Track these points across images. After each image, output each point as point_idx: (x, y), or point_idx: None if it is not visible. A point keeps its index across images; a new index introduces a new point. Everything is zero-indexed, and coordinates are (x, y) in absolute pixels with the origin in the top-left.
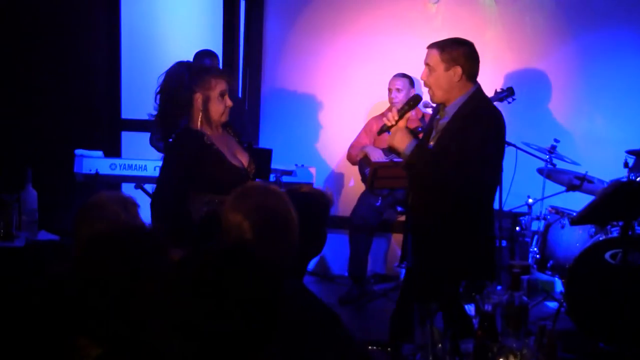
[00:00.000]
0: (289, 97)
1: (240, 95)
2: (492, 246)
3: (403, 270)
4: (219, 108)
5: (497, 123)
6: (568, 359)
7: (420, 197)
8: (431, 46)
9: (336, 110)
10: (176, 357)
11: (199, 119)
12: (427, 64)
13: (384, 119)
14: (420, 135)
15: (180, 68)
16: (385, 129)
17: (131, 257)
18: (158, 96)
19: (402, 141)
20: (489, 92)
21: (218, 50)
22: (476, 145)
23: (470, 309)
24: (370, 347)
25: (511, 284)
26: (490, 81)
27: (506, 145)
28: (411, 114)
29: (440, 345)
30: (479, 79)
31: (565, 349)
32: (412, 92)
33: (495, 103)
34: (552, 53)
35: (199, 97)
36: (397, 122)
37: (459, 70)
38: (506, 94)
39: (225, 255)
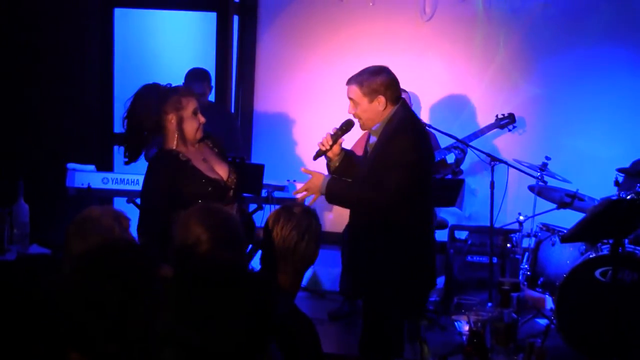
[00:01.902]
0: (281, 112)
1: (232, 111)
2: (427, 252)
3: None
4: (193, 126)
5: (416, 132)
6: None
7: (355, 216)
8: (350, 82)
9: (329, 125)
10: None
11: (175, 139)
12: (350, 99)
13: (319, 143)
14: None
15: (147, 91)
16: (320, 154)
17: (123, 273)
18: (125, 121)
19: (318, 181)
20: (488, 115)
21: (211, 66)
22: (395, 154)
23: (460, 325)
24: None
25: (501, 301)
26: (480, 98)
27: (498, 163)
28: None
29: None
30: (468, 97)
31: None
32: None
33: (495, 130)
34: (544, 70)
35: (172, 118)
36: (331, 146)
37: (382, 99)
38: (507, 121)
39: (218, 273)
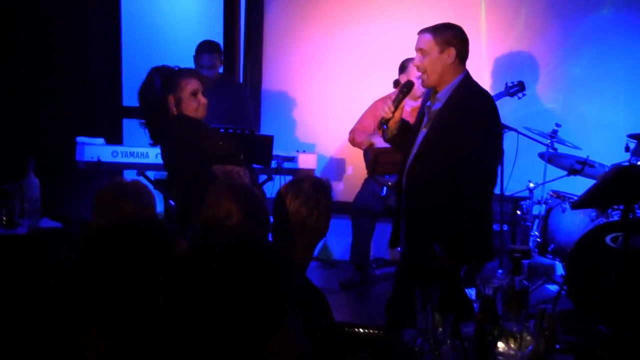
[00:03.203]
0: (289, 84)
1: (241, 81)
2: (488, 227)
3: None
4: (191, 107)
5: (492, 108)
6: (567, 341)
7: (413, 180)
8: (423, 31)
9: (337, 96)
10: (184, 347)
11: None
12: (420, 49)
13: (381, 111)
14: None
15: (152, 74)
16: (383, 122)
17: (141, 248)
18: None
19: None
20: (498, 83)
21: (219, 38)
22: (477, 136)
23: (471, 293)
24: (370, 332)
25: (512, 268)
26: (491, 66)
27: (507, 130)
28: (405, 108)
29: (441, 329)
30: (479, 63)
31: (565, 331)
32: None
33: (505, 98)
34: (554, 36)
35: (171, 100)
36: (393, 113)
37: (452, 52)
38: (517, 88)
39: (234, 246)
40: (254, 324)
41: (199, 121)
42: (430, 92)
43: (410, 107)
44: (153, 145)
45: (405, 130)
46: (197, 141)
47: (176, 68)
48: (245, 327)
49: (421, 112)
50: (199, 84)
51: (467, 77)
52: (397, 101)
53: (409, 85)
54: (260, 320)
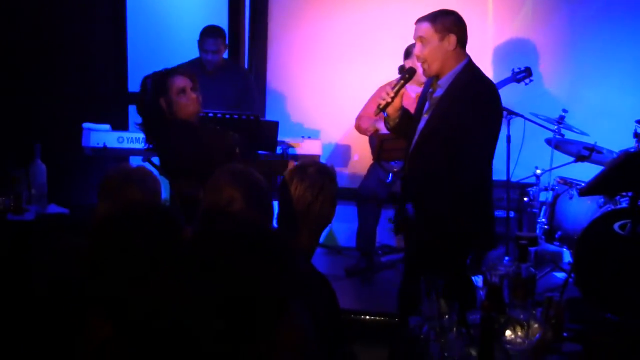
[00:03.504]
0: (295, 70)
1: (247, 67)
2: (490, 214)
3: None
4: (181, 106)
5: (492, 95)
6: (575, 329)
7: (416, 167)
8: (421, 20)
9: (342, 83)
10: (189, 336)
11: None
12: (419, 38)
13: (379, 99)
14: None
15: (144, 81)
16: (382, 108)
17: (146, 235)
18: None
19: None
20: (504, 69)
21: (224, 22)
22: (477, 124)
23: (477, 280)
24: (375, 319)
25: (518, 256)
26: (497, 51)
27: (514, 116)
28: (410, 94)
29: (447, 317)
30: (486, 49)
31: (572, 319)
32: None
33: (512, 84)
34: (560, 20)
35: (163, 103)
36: (393, 99)
37: (453, 38)
38: (524, 74)
39: (249, 232)
40: (259, 312)
41: (191, 127)
42: (433, 79)
43: (415, 93)
44: (149, 149)
45: (408, 119)
46: (194, 149)
47: (164, 71)
48: (250, 315)
49: (423, 99)
50: (186, 80)
51: (470, 63)
52: (398, 87)
53: (411, 72)
54: (265, 308)
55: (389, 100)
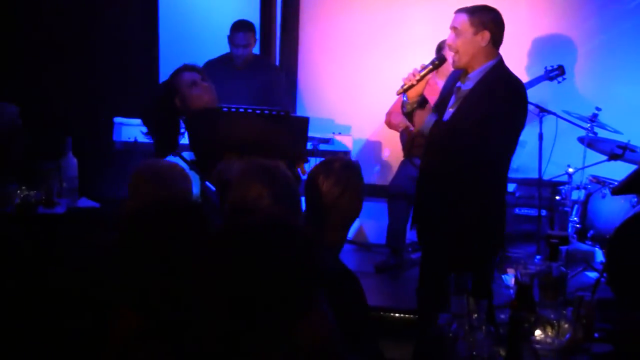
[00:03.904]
0: (326, 65)
1: (277, 63)
2: (505, 212)
3: None
4: (195, 96)
5: (522, 96)
6: (606, 329)
7: (432, 162)
8: (460, 10)
9: (374, 77)
10: (215, 329)
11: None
12: (454, 28)
13: (403, 78)
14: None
15: (156, 90)
16: (406, 89)
17: (176, 231)
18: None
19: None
20: (537, 65)
21: (255, 16)
22: (502, 117)
23: (507, 278)
24: (404, 316)
25: (549, 254)
26: (530, 48)
27: (546, 114)
28: (437, 84)
29: (476, 315)
30: (519, 45)
31: (603, 320)
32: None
33: (544, 82)
34: (594, 17)
35: (177, 103)
36: (417, 82)
37: (487, 35)
38: (557, 72)
39: (263, 230)
40: (285, 306)
41: (215, 111)
42: (460, 74)
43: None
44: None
45: (420, 109)
46: (215, 136)
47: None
48: (275, 309)
49: (447, 92)
50: (193, 74)
51: (500, 62)
52: (426, 71)
53: (442, 58)
54: (290, 302)
55: (414, 82)
